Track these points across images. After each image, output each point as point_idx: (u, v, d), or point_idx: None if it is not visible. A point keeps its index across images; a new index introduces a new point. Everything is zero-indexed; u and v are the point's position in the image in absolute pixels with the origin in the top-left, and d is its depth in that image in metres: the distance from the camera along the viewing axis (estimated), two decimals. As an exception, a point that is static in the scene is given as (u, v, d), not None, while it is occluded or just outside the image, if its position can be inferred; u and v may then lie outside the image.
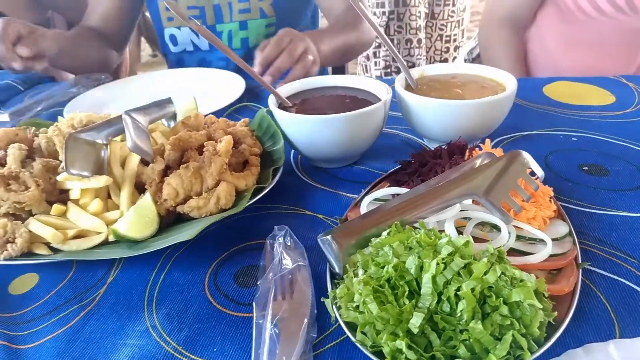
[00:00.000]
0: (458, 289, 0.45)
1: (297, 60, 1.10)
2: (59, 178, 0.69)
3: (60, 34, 1.43)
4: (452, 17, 1.90)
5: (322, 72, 1.50)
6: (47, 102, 1.28)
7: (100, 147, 0.73)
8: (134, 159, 0.73)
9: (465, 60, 1.84)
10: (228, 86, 1.26)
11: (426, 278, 0.46)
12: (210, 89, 1.28)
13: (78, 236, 0.67)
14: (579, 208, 0.70)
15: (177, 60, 1.63)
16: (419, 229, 0.54)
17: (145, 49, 5.26)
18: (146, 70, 4.87)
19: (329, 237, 0.55)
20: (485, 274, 0.45)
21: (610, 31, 1.29)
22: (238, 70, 1.54)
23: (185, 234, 0.60)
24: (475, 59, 1.83)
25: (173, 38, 1.58)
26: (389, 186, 0.73)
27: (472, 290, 0.44)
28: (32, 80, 1.51)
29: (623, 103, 0.99)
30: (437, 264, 0.46)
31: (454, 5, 1.94)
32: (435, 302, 0.45)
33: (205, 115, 0.89)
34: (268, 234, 0.69)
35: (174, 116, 0.89)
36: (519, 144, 0.87)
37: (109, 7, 1.54)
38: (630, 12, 1.21)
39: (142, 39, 4.87)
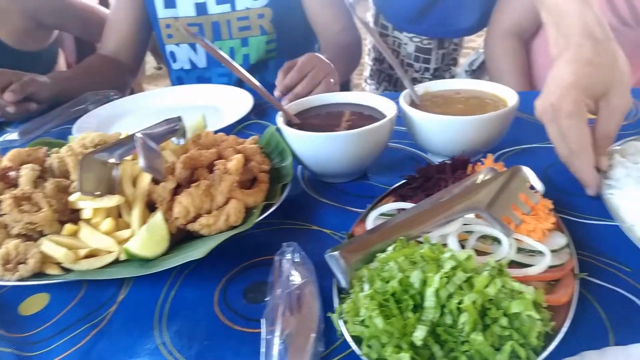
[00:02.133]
0: (460, 302, 0.46)
1: (319, 84, 1.13)
2: (72, 198, 0.71)
3: (59, 75, 1.53)
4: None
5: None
6: (56, 120, 1.31)
7: (112, 167, 0.75)
8: (145, 178, 0.75)
9: (465, 72, 1.86)
10: (236, 102, 1.28)
11: (429, 292, 0.47)
12: (218, 105, 1.31)
13: (89, 255, 0.69)
14: (578, 219, 0.71)
15: (178, 77, 1.67)
16: (424, 243, 0.56)
17: (150, 61, 5.30)
18: (151, 83, 4.90)
19: (336, 253, 0.56)
20: (486, 287, 0.46)
21: None
22: (240, 85, 1.58)
23: (196, 252, 0.61)
24: (476, 70, 1.84)
25: (172, 55, 1.61)
26: (395, 201, 0.74)
27: (474, 303, 0.45)
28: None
29: (623, 115, 1.00)
30: (440, 278, 0.48)
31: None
32: (438, 315, 0.47)
33: (216, 133, 0.91)
34: (276, 249, 0.70)
35: (184, 134, 0.92)
36: (520, 157, 0.88)
37: (124, 34, 1.61)
38: (636, 26, 1.22)
39: (147, 51, 4.92)
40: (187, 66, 1.61)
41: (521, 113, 1.05)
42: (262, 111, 1.24)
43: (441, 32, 1.76)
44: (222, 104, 1.32)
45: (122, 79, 1.63)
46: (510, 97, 0.88)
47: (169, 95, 1.44)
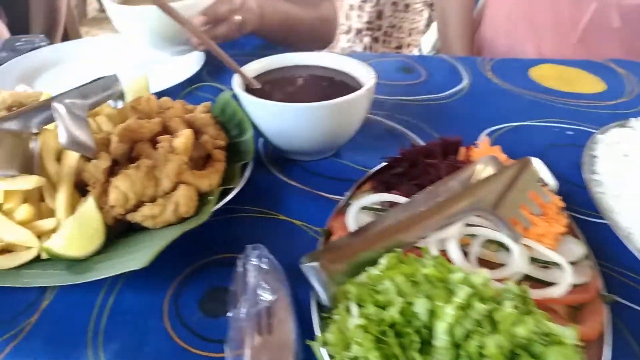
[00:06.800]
0: (481, 346, 0.37)
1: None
2: (-24, 179, 0.56)
3: None
4: None
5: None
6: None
7: (29, 138, 0.60)
8: (73, 153, 0.61)
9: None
10: (185, 58, 1.11)
11: (441, 328, 0.38)
12: (164, 60, 1.14)
13: (2, 251, 0.55)
14: (591, 219, 0.62)
15: None
16: (425, 256, 0.46)
17: (92, 3, 4.82)
18: (93, 27, 4.46)
19: (316, 264, 0.46)
20: (514, 325, 0.37)
21: None
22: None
23: (138, 260, 0.49)
24: None
25: None
26: (375, 188, 0.64)
27: (501, 348, 0.36)
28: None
29: (614, 91, 0.93)
30: (454, 310, 0.38)
31: None
32: (453, 358, 0.38)
33: (159, 96, 0.76)
34: (236, 244, 0.59)
35: (121, 95, 0.76)
36: (512, 137, 0.79)
37: None
38: None
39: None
40: None
41: (505, 83, 0.97)
42: (215, 70, 1.08)
43: None
44: (169, 59, 1.15)
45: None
46: None
47: (106, 45, 1.24)
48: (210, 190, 0.61)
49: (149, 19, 0.92)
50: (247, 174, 0.65)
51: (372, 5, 1.83)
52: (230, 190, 0.62)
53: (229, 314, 0.49)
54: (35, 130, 0.60)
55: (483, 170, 0.57)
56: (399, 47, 1.98)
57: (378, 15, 1.89)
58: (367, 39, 1.91)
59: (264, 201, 0.67)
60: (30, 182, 0.56)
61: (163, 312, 0.52)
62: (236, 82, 0.72)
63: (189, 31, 0.75)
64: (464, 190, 0.51)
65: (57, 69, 1.12)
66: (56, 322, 0.51)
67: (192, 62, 1.06)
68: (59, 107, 0.56)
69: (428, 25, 2.03)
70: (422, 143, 0.78)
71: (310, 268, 0.46)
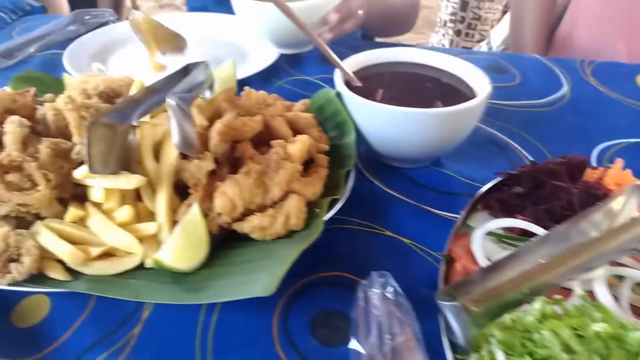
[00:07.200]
0: None
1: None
2: (78, 175, 0.53)
3: None
4: None
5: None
6: (41, 42, 1.08)
7: (127, 131, 0.56)
8: (173, 149, 0.57)
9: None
10: (260, 42, 1.05)
11: (627, 401, 0.33)
12: (237, 43, 1.09)
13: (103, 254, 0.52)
14: None
15: None
16: (584, 304, 0.41)
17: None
18: (149, 1, 4.40)
19: (457, 304, 0.41)
20: None
21: None
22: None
23: (260, 284, 0.44)
24: None
25: None
26: (491, 207, 0.58)
27: None
28: (20, 9, 1.28)
29: None
30: (643, 382, 0.33)
31: None
32: None
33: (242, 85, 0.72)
34: (342, 261, 0.56)
35: (211, 85, 0.72)
36: (631, 156, 0.71)
37: None
38: None
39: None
40: None
41: (611, 91, 0.89)
42: (296, 58, 1.02)
43: None
44: (243, 42, 1.09)
45: None
46: None
47: (174, 24, 1.19)
48: (315, 200, 0.57)
49: (269, 15, 0.88)
50: (350, 182, 0.60)
51: None
52: (336, 201, 0.58)
53: (351, 347, 0.45)
54: (135, 123, 0.56)
55: (628, 201, 0.51)
56: (482, 40, 1.88)
57: (463, 6, 1.80)
58: (450, 32, 1.82)
59: (366, 213, 0.62)
60: (131, 181, 0.53)
61: (273, 337, 0.48)
62: (339, 79, 0.67)
63: (299, 28, 0.70)
64: (618, 226, 0.46)
65: (128, 46, 1.09)
66: (161, 335, 0.48)
67: (269, 50, 1.01)
68: (172, 104, 0.52)
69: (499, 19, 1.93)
70: (528, 155, 0.72)
71: (450, 307, 0.41)
